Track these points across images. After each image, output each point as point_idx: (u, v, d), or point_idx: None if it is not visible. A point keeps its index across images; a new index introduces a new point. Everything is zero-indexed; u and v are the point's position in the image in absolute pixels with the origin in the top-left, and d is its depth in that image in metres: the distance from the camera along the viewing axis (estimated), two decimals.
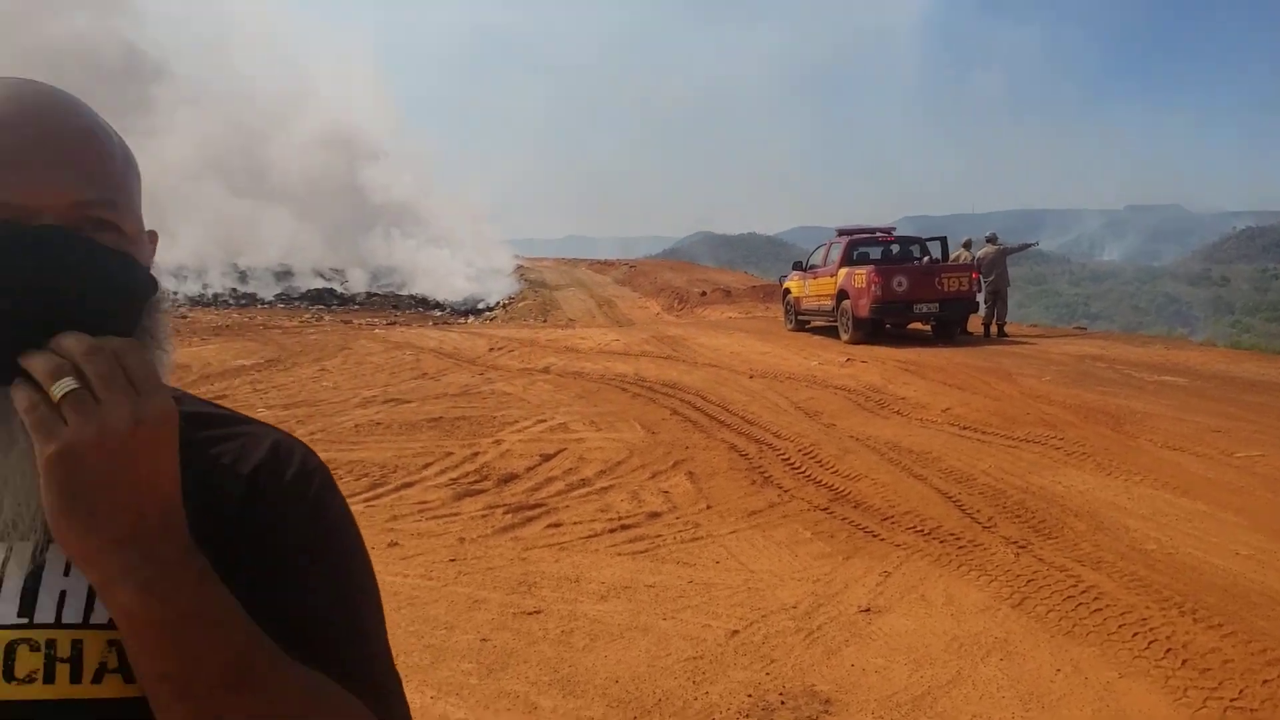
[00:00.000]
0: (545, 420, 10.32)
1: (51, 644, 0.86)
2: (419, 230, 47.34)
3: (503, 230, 48.65)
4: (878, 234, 21.34)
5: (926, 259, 20.44)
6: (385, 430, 10.29)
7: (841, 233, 21.20)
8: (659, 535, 6.88)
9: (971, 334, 20.06)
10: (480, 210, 54.14)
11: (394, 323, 30.52)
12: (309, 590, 0.96)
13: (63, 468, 0.76)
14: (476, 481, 8.17)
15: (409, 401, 12.00)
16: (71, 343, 0.79)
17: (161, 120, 45.43)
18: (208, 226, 41.99)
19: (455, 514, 7.32)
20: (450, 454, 9.04)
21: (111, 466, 0.77)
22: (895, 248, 20.86)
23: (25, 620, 0.86)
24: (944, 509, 7.25)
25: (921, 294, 18.41)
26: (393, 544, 6.61)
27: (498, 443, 9.38)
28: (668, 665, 4.76)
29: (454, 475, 8.39)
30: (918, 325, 19.94)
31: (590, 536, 6.80)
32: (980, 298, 19.86)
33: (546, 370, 14.64)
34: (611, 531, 6.91)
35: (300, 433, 10.03)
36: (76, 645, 0.86)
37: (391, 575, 5.97)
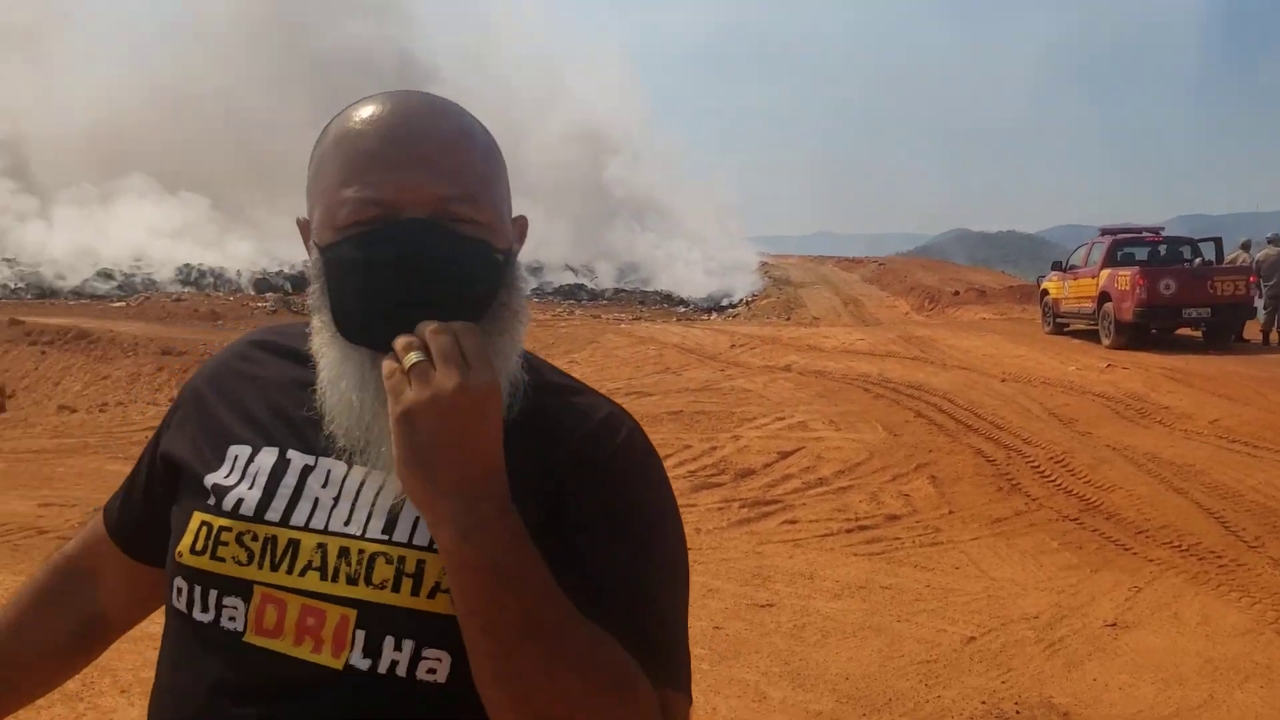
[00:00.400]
0: (784, 418, 10.36)
1: (402, 560, 1.03)
2: (662, 226, 48.17)
3: (748, 227, 48.87)
4: (1144, 234, 20.16)
5: (1198, 261, 19.15)
6: None
7: (1105, 232, 20.15)
8: (897, 538, 6.80)
9: (1248, 341, 18.64)
10: (725, 206, 54.58)
11: (639, 318, 31.16)
12: (604, 556, 1.04)
13: (404, 425, 0.92)
14: (714, 475, 8.30)
15: (651, 395, 12.29)
16: (425, 324, 0.95)
17: None
18: None
19: (692, 505, 7.47)
20: (689, 447, 9.22)
21: (442, 427, 0.92)
22: (1163, 249, 19.63)
23: (386, 537, 1.04)
24: (1205, 525, 6.83)
25: (1191, 298, 17.26)
26: None
27: (736, 438, 9.49)
28: (900, 666, 4.73)
29: (692, 468, 8.55)
30: (1186, 331, 18.71)
31: (826, 535, 6.80)
32: (1259, 303, 18.44)
33: (788, 368, 14.64)
34: (848, 531, 6.89)
35: None
36: (420, 564, 1.02)
37: None
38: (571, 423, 1.11)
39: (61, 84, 45.67)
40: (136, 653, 5.14)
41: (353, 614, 1.02)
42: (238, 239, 40.59)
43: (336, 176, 1.04)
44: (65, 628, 1.35)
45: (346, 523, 1.05)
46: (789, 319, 28.73)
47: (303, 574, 1.03)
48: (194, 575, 1.07)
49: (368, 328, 1.01)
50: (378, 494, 1.06)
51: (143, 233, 39.30)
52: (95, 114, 44.09)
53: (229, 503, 1.08)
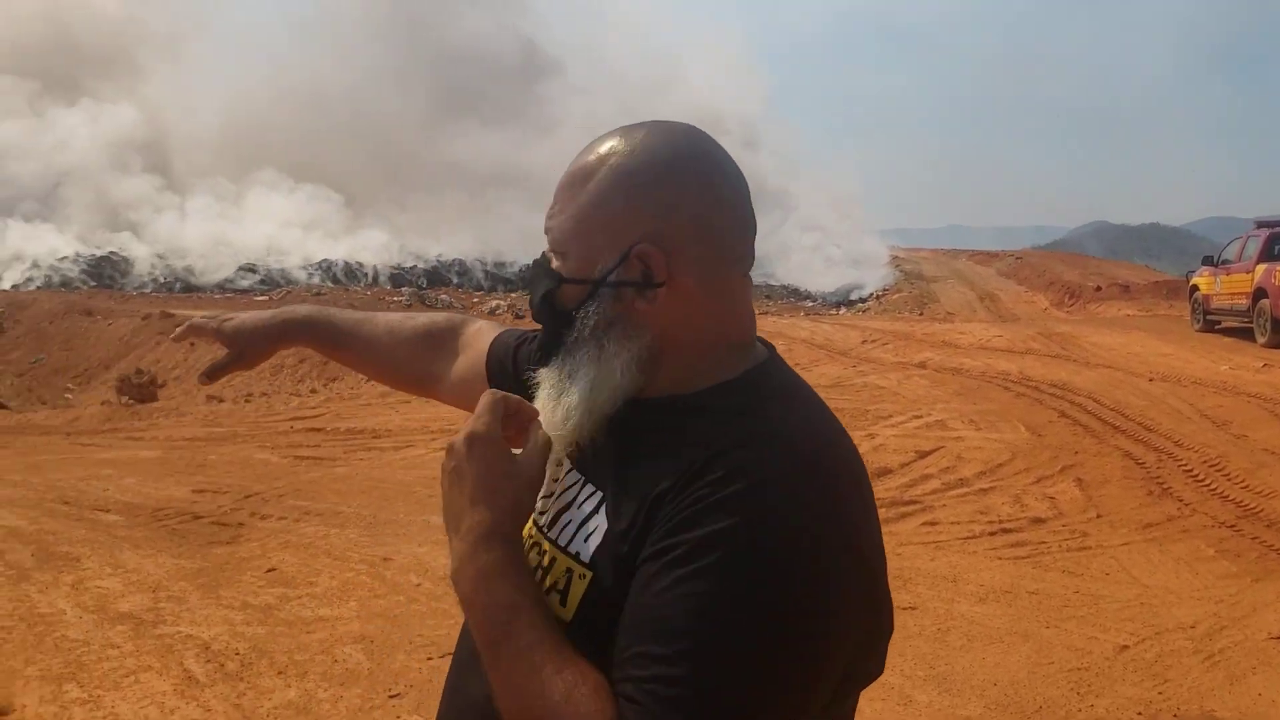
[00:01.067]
0: (921, 416, 10.18)
1: (554, 560, 1.16)
2: (782, 216, 47.80)
3: (874, 220, 48.27)
4: None
5: None
6: None
7: (1261, 225, 19.22)
8: (1043, 541, 6.62)
9: None
10: (849, 196, 53.83)
11: (765, 313, 30.99)
12: (653, 604, 0.98)
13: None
14: None
15: None
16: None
17: (556, 112, 48.62)
18: None
19: None
20: None
21: (446, 469, 1.16)
22: None
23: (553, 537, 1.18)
24: None
25: None
26: None
27: (871, 436, 9.37)
28: (1050, 673, 4.61)
29: None
30: None
31: (968, 538, 6.66)
32: None
33: (923, 365, 14.38)
34: (991, 534, 6.74)
35: None
36: (553, 562, 1.15)
37: None
38: (689, 452, 1.04)
39: (199, 84, 47.52)
40: (291, 637, 5.34)
41: None
42: (368, 232, 41.68)
43: None
44: (419, 364, 1.70)
45: (541, 507, 1.22)
46: (922, 314, 28.25)
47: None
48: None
49: None
50: (558, 483, 1.21)
51: (275, 225, 40.72)
52: (230, 112, 45.81)
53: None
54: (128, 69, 48.03)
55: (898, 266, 42.99)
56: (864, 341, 18.07)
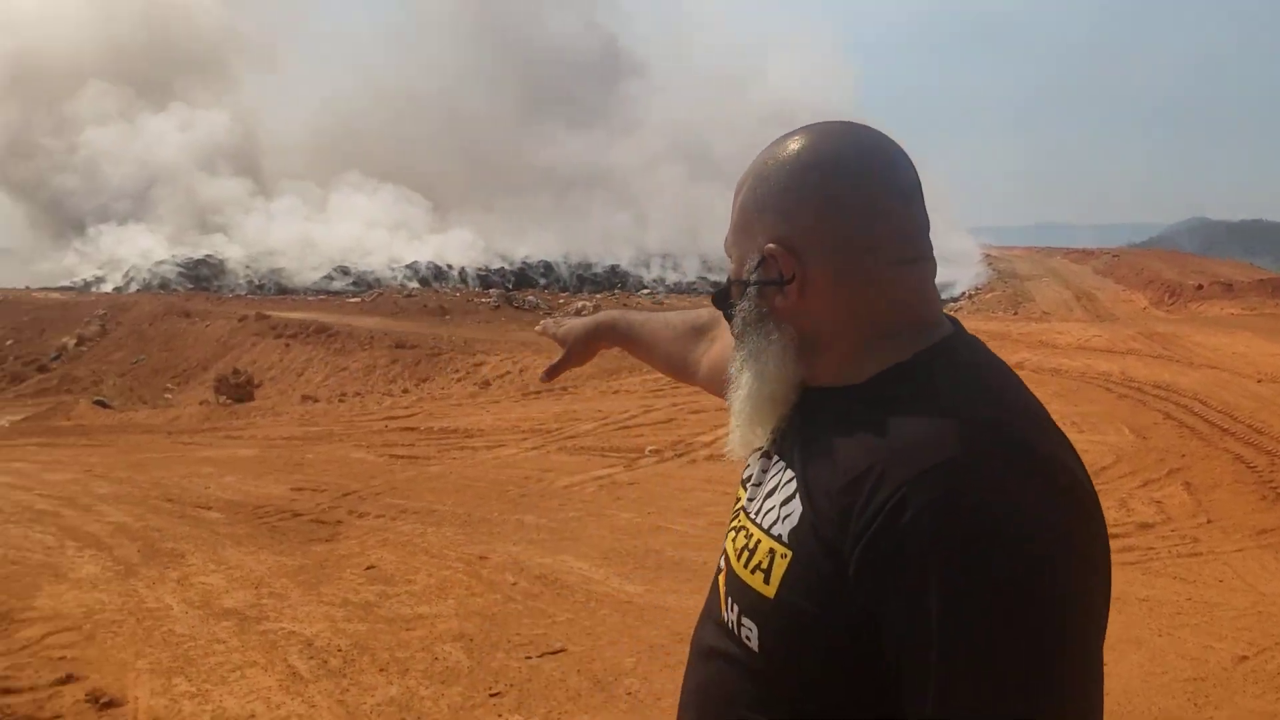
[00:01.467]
0: None
1: (749, 534, 1.23)
2: None
3: (963, 217, 47.30)
4: None
5: None
6: None
7: None
8: (1151, 547, 6.42)
9: None
10: (940, 195, 52.97)
11: None
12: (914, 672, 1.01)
13: None
14: None
15: None
16: None
17: (639, 111, 48.66)
18: (674, 214, 44.45)
19: None
20: None
21: None
22: None
23: (756, 521, 1.23)
24: None
25: None
26: None
27: None
28: (1164, 683, 4.45)
29: None
30: None
31: None
32: None
33: (1020, 365, 14.06)
34: None
35: None
36: (757, 542, 1.20)
37: None
38: (854, 453, 1.10)
39: (289, 90, 48.57)
40: (391, 634, 5.40)
41: (725, 572, 1.25)
42: (455, 233, 42.16)
43: None
44: (683, 354, 1.87)
45: (744, 492, 1.31)
46: (1016, 313, 27.70)
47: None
48: None
49: None
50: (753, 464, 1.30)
51: (361, 227, 41.40)
52: (319, 117, 46.72)
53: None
54: (220, 74, 49.30)
55: (990, 265, 42.21)
56: None
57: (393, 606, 5.89)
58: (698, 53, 59.07)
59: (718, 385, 1.56)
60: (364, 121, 46.93)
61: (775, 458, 1.24)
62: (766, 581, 1.13)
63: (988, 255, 44.97)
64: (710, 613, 1.28)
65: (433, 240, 41.68)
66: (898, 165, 1.20)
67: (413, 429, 12.66)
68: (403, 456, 10.88)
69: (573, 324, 2.09)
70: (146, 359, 26.50)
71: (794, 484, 1.17)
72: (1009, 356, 14.03)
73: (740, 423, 1.27)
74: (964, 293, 36.38)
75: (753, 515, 1.22)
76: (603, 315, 2.09)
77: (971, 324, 21.44)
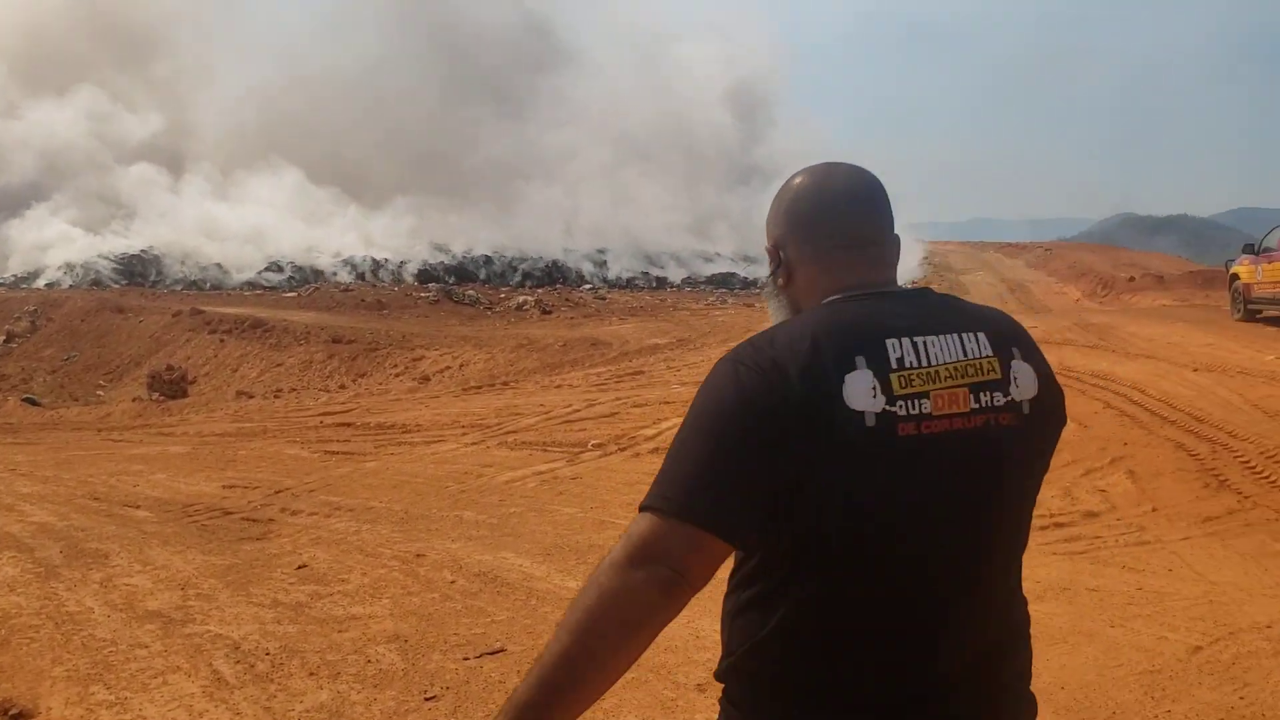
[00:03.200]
0: None
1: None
2: None
3: (901, 214, 47.46)
4: None
5: None
6: None
7: None
8: (1098, 536, 6.38)
9: None
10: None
11: None
12: None
13: None
14: None
15: None
16: None
17: (571, 100, 48.33)
18: (609, 205, 44.22)
19: None
20: None
21: None
22: None
23: None
24: None
25: None
26: None
27: None
28: (1120, 676, 4.37)
29: None
30: None
31: None
32: None
33: None
34: (1043, 528, 6.49)
35: None
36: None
37: None
38: None
39: (220, 75, 47.25)
40: (323, 635, 5.17)
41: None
42: (392, 227, 41.47)
43: None
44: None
45: None
46: None
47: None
48: None
49: None
50: None
51: (300, 222, 40.59)
52: (244, 104, 45.57)
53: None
54: (142, 55, 47.87)
55: (926, 259, 42.49)
56: None
57: (324, 607, 5.66)
58: (628, 37, 58.59)
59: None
60: (291, 108, 45.82)
61: None
62: None
63: (924, 250, 45.23)
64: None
65: (367, 230, 40.94)
66: (839, 180, 1.71)
67: (349, 425, 12.37)
68: (338, 453, 10.60)
69: None
70: (78, 356, 25.75)
71: None
72: None
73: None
74: (902, 285, 36.57)
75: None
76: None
77: None
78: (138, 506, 8.60)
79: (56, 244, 38.27)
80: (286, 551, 6.90)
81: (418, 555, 6.61)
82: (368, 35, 49.46)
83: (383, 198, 42.95)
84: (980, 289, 32.20)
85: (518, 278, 39.61)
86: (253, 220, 39.89)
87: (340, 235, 40.44)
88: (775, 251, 1.72)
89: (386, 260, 38.97)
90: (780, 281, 1.72)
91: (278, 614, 5.58)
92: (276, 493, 8.92)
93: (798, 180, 1.72)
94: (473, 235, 41.43)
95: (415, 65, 48.26)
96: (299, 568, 6.45)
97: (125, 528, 7.78)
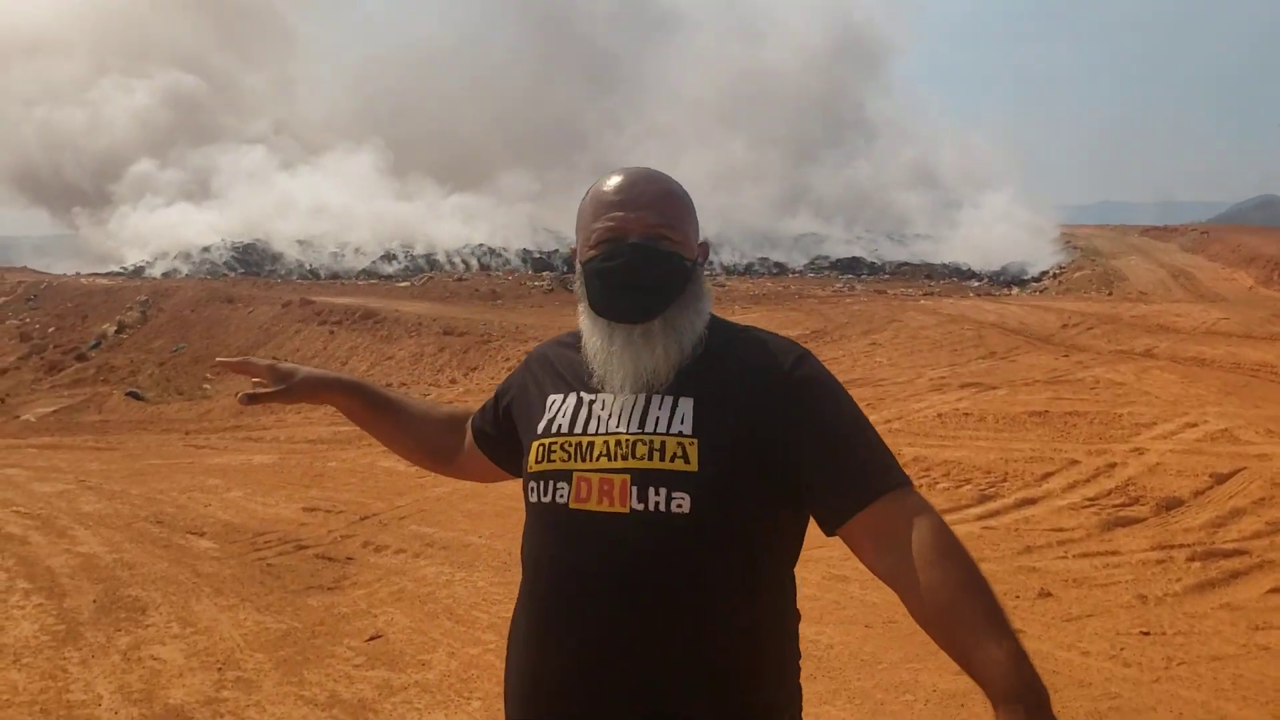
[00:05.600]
0: (1195, 423, 7.99)
1: (651, 441, 1.69)
2: (940, 194, 44.87)
3: (1021, 196, 44.58)
4: None
5: None
6: (978, 424, 8.58)
7: None
8: None
9: None
10: (1009, 174, 50.40)
11: (930, 293, 28.68)
12: (820, 435, 1.70)
13: None
14: (1125, 505, 6.22)
15: (995, 388, 10.18)
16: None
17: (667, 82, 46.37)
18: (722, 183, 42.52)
19: (1112, 553, 5.46)
20: (1075, 462, 7.14)
21: None
22: None
23: (640, 430, 1.71)
24: None
25: None
26: (1044, 593, 4.89)
27: (1138, 451, 7.29)
28: None
29: (1089, 493, 6.51)
30: None
31: None
32: None
33: (1149, 354, 12.16)
34: None
35: (873, 418, 8.63)
36: (663, 443, 1.68)
37: (1059, 646, 4.28)
38: (746, 353, 1.78)
39: (316, 63, 46.70)
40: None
41: (628, 476, 1.67)
42: (503, 217, 40.34)
43: (590, 215, 1.81)
44: (440, 441, 2.16)
45: (619, 426, 1.72)
46: (1111, 293, 25.53)
47: (596, 459, 1.71)
48: (539, 476, 1.76)
49: (606, 305, 1.77)
50: (631, 406, 1.72)
51: (406, 206, 39.74)
52: (353, 92, 44.92)
53: (552, 428, 1.78)
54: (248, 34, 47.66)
55: (1070, 243, 39.72)
56: (1065, 326, 15.80)
57: (396, 710, 4.23)
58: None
59: (467, 473, 2.19)
60: (388, 86, 44.94)
61: (604, 392, 1.80)
62: (672, 460, 1.66)
63: (1064, 233, 42.40)
64: (586, 538, 1.69)
65: (483, 224, 39.87)
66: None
67: None
68: None
69: (305, 370, 2.15)
70: (186, 347, 25.21)
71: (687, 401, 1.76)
72: (1132, 344, 11.82)
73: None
74: (1047, 272, 34.11)
75: (641, 429, 1.72)
76: (349, 378, 2.22)
77: (1073, 307, 19.40)
78: (202, 534, 7.37)
79: (164, 230, 38.24)
80: (360, 610, 5.52)
81: None
82: (460, 8, 48.44)
83: (488, 180, 41.83)
84: (1139, 275, 29.61)
85: None
86: (363, 206, 39.20)
87: (449, 221, 39.43)
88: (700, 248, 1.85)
89: (503, 249, 37.92)
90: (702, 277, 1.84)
91: (331, 717, 4.17)
92: (362, 519, 7.60)
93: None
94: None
95: (513, 42, 47.11)
96: (370, 639, 5.04)
97: (179, 565, 6.52)
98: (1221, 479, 6.46)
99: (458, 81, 45.42)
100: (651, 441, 1.66)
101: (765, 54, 49.62)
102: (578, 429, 1.73)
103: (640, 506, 1.63)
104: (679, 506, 1.62)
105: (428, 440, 2.15)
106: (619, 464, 1.67)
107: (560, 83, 46.49)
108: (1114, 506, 6.16)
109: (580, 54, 48.22)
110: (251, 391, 2.07)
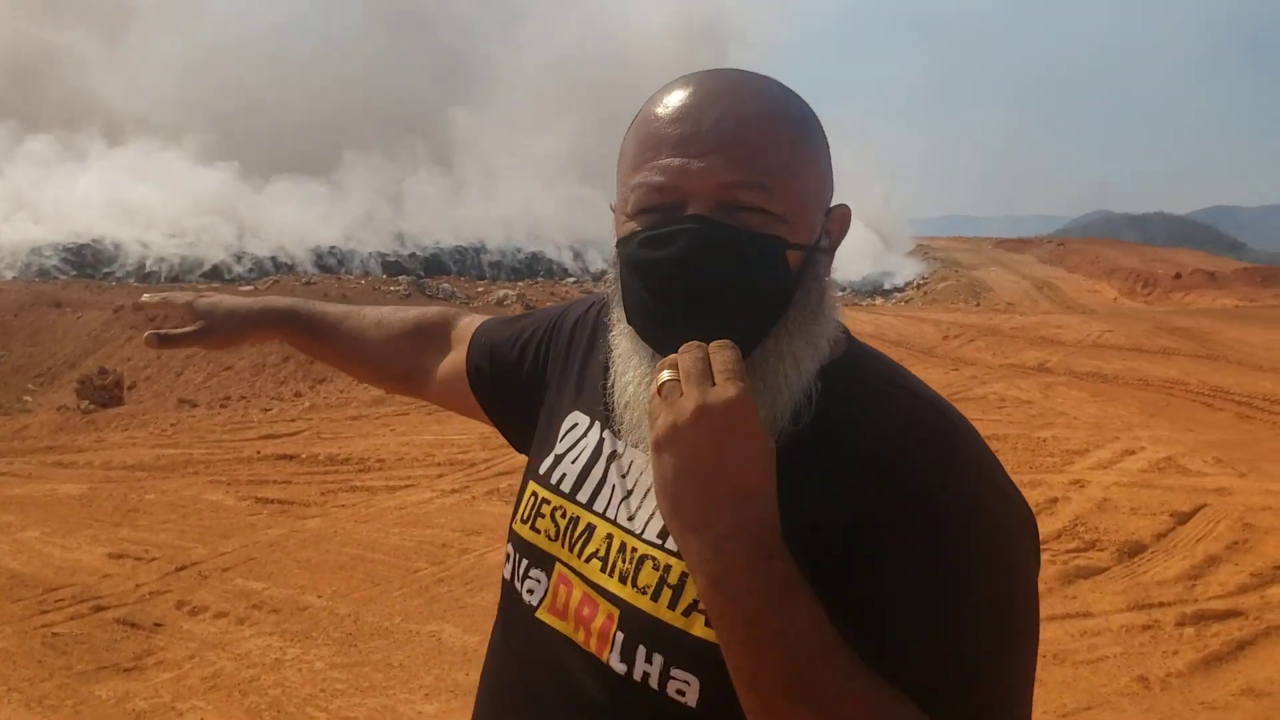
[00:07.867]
0: (1130, 449, 7.24)
1: (668, 568, 1.02)
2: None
3: (871, 208, 45.05)
4: None
5: None
6: None
7: None
8: None
9: None
10: (865, 181, 50.75)
11: None
12: (916, 625, 0.92)
13: (654, 452, 0.89)
14: (1081, 550, 5.38)
15: None
16: (687, 344, 0.91)
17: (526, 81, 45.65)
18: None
19: (1084, 614, 4.59)
20: None
21: (679, 453, 0.86)
22: None
23: (659, 542, 1.04)
24: None
25: None
26: None
27: (1078, 484, 6.47)
28: None
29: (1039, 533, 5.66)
30: None
31: None
32: None
33: (1044, 368, 11.62)
34: None
35: None
36: (683, 577, 1.00)
37: None
38: (871, 438, 0.99)
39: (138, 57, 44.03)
40: None
41: (616, 613, 1.04)
42: (359, 216, 38.42)
43: (631, 160, 1.03)
44: (406, 359, 1.59)
45: (631, 518, 1.08)
46: (978, 304, 25.43)
47: (588, 560, 1.08)
48: (518, 543, 1.18)
49: (649, 327, 1.02)
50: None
51: (248, 205, 37.52)
52: (179, 85, 42.54)
53: (555, 477, 1.17)
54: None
55: (927, 254, 39.97)
56: (945, 338, 15.27)
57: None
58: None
59: (453, 397, 1.51)
60: (226, 76, 42.68)
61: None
62: (686, 613, 1.00)
63: (921, 245, 42.78)
64: (561, 661, 1.09)
65: (337, 224, 37.80)
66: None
67: (292, 456, 9.68)
68: (273, 501, 7.93)
69: (223, 298, 1.74)
70: (7, 355, 23.11)
71: None
72: (1016, 356, 11.04)
73: None
74: (910, 283, 34.10)
75: (643, 534, 1.07)
76: (273, 299, 1.75)
77: (950, 318, 19.01)
78: None
79: None
80: (162, 706, 4.29)
81: None
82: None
83: (333, 171, 39.77)
84: (1004, 286, 29.73)
85: (492, 270, 36.86)
86: (195, 201, 36.72)
87: (297, 218, 37.20)
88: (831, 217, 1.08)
89: (352, 252, 36.06)
90: (827, 277, 1.06)
91: None
92: (178, 570, 6.31)
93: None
94: (440, 222, 38.38)
95: (363, 38, 45.51)
96: None
97: None
98: (1183, 518, 5.67)
99: (297, 69, 43.35)
100: (667, 567, 1.03)
101: (614, 40, 49.09)
102: (582, 494, 1.16)
103: (622, 668, 1.04)
104: (679, 693, 1.00)
105: (389, 365, 1.62)
106: (611, 584, 1.07)
107: (404, 69, 44.97)
108: (1068, 553, 5.32)
109: (433, 55, 46.81)
110: (163, 331, 1.74)
